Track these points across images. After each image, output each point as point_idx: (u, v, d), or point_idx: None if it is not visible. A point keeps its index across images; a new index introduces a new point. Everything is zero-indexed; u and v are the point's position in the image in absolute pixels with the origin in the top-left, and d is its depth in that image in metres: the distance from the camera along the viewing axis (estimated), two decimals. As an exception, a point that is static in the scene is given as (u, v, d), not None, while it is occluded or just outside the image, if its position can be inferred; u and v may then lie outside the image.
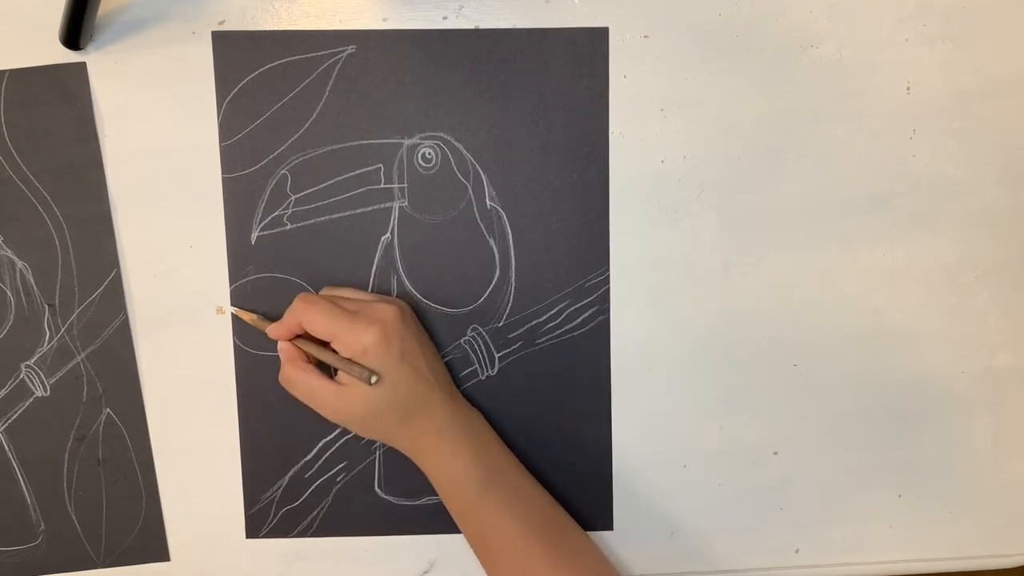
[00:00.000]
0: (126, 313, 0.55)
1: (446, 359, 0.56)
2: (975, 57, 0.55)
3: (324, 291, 0.54)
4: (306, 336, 0.51)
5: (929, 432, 0.58)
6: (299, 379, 0.50)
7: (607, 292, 0.56)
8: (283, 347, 0.51)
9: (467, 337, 0.56)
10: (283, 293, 0.55)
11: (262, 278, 0.55)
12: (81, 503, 0.56)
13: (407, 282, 0.55)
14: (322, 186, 0.54)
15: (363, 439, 0.56)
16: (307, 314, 0.49)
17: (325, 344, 0.50)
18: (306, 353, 0.51)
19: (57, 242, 0.54)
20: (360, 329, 0.48)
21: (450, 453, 0.50)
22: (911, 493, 0.58)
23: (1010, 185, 0.56)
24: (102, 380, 0.55)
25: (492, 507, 0.50)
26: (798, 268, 0.56)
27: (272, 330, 0.52)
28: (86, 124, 0.54)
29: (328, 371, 0.51)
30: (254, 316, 0.54)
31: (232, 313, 0.54)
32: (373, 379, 0.48)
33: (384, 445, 0.56)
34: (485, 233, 0.55)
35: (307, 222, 0.55)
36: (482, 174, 0.55)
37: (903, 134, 0.55)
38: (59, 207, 0.54)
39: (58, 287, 0.54)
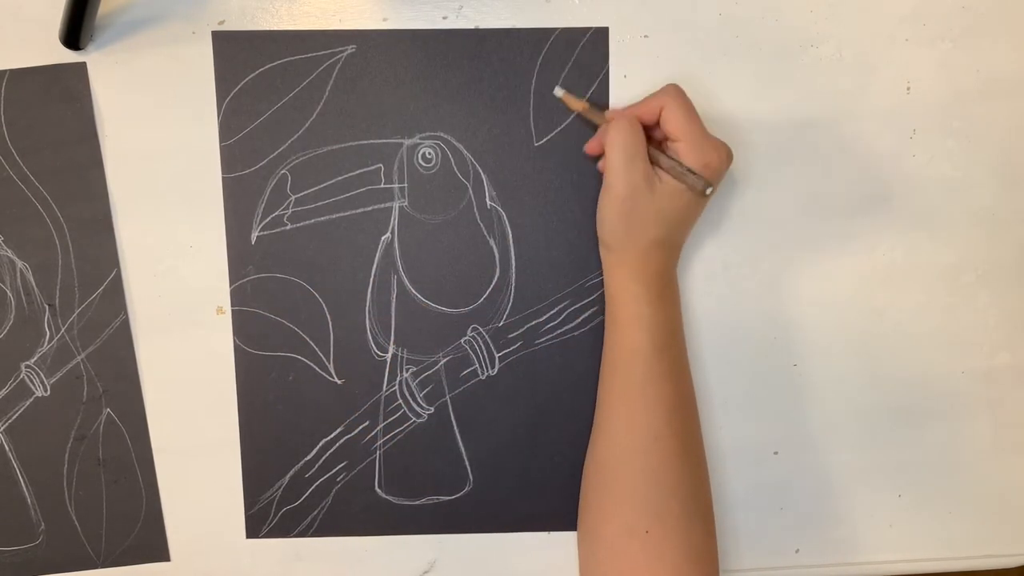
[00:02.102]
0: (126, 313, 0.55)
1: (446, 359, 0.56)
2: (975, 57, 0.55)
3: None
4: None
5: (929, 432, 0.58)
6: (636, 137, 0.48)
7: (607, 292, 0.56)
8: (629, 117, 0.49)
9: (467, 337, 0.56)
10: (283, 293, 0.55)
11: (262, 278, 0.55)
12: (81, 503, 0.56)
13: (407, 282, 0.55)
14: (322, 186, 0.54)
15: (363, 439, 0.56)
16: (676, 103, 0.48)
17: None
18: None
19: (57, 242, 0.54)
20: (714, 143, 0.48)
21: (660, 297, 0.50)
22: (911, 493, 0.58)
23: (1010, 185, 0.56)
24: (102, 380, 0.55)
25: (666, 365, 0.50)
26: (798, 268, 0.56)
27: (630, 108, 0.50)
28: (86, 124, 0.54)
29: None
30: (584, 104, 0.51)
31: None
32: (709, 190, 0.47)
33: (384, 444, 0.56)
34: (485, 233, 0.55)
35: (307, 222, 0.55)
36: (482, 174, 0.55)
37: (903, 134, 0.55)
38: (59, 207, 0.54)
39: (58, 287, 0.54)
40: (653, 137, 0.51)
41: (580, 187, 0.55)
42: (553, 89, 0.52)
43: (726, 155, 0.49)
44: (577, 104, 0.52)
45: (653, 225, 0.49)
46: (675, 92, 0.49)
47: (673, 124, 0.49)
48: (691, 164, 0.48)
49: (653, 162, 0.49)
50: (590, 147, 0.53)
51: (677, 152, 0.49)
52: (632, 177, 0.48)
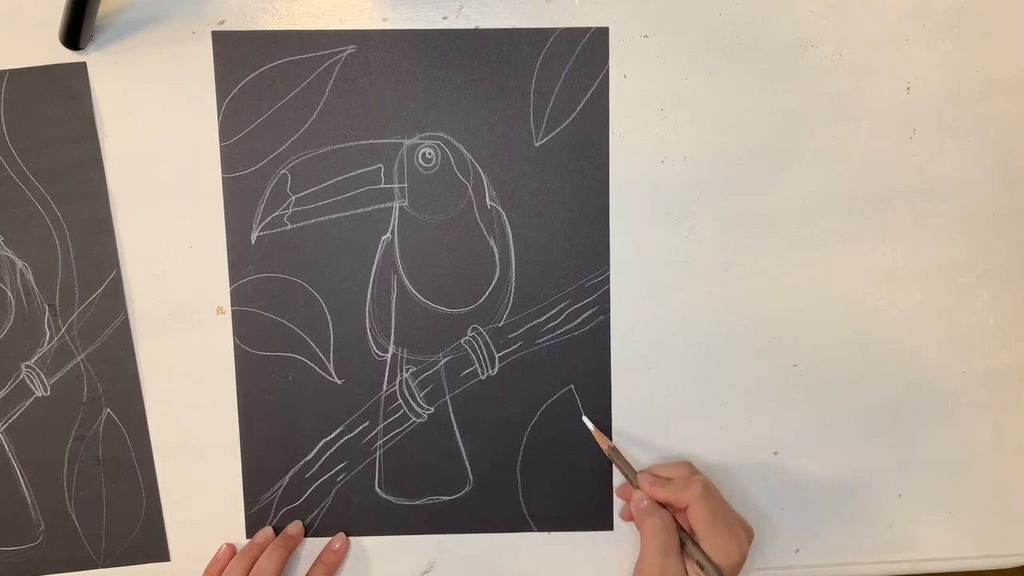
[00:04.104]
0: (126, 313, 0.55)
1: (446, 359, 0.56)
2: (975, 57, 0.55)
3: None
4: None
5: (929, 432, 0.58)
6: (670, 534, 0.51)
7: (607, 292, 0.56)
8: (662, 510, 0.52)
9: (467, 337, 0.56)
10: (283, 293, 0.55)
11: (262, 278, 0.55)
12: (81, 503, 0.56)
13: (407, 282, 0.55)
14: (322, 186, 0.54)
15: (363, 439, 0.56)
16: (704, 505, 0.51)
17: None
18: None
19: (57, 242, 0.54)
20: (737, 540, 0.51)
21: None
22: (911, 493, 0.58)
23: (1010, 185, 0.56)
24: (102, 380, 0.55)
25: None
26: (798, 268, 0.56)
27: (652, 488, 0.53)
28: (86, 124, 0.54)
29: None
30: (608, 441, 0.55)
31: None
32: None
33: (384, 444, 0.56)
34: (485, 233, 0.55)
35: (307, 222, 0.55)
36: (482, 174, 0.55)
37: (903, 134, 0.55)
38: (59, 207, 0.54)
39: (58, 287, 0.54)
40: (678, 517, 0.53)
41: (580, 187, 0.55)
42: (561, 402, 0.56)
43: (747, 546, 0.51)
44: (605, 442, 0.55)
45: None
46: (703, 493, 0.51)
47: (699, 523, 0.51)
48: (712, 556, 0.50)
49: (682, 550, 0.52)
50: (624, 515, 0.57)
51: (701, 542, 0.51)
52: (668, 571, 0.50)
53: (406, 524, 0.57)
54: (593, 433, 0.56)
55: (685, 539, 0.51)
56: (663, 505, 0.52)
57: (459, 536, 0.57)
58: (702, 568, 0.50)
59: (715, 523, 0.51)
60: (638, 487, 0.54)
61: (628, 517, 0.56)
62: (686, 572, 0.50)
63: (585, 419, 0.56)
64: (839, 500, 0.58)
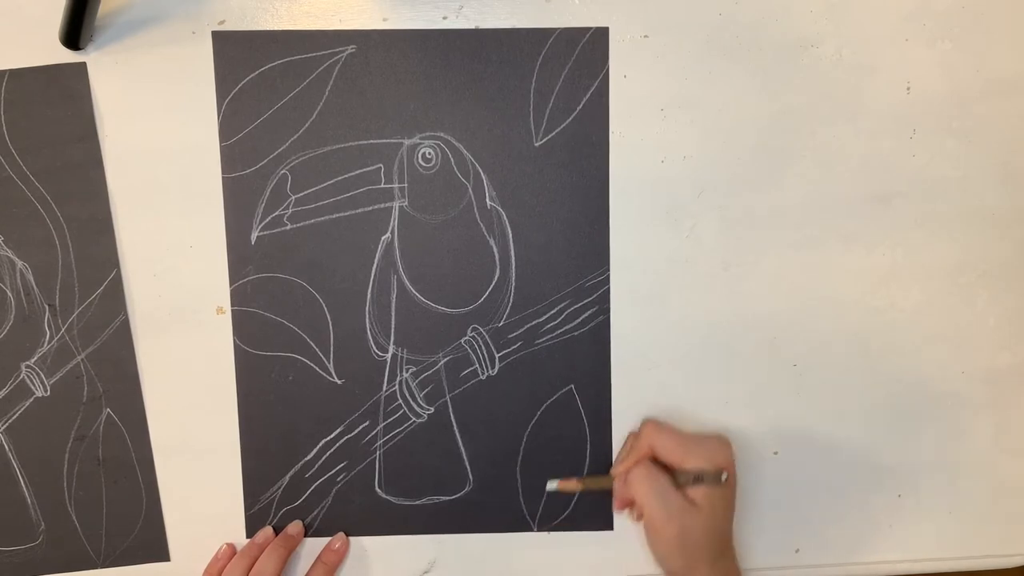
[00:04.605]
0: (126, 313, 0.55)
1: (446, 359, 0.56)
2: (975, 57, 0.55)
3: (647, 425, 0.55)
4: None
5: (929, 432, 0.58)
6: (656, 478, 0.51)
7: (607, 292, 0.56)
8: (638, 464, 0.52)
9: (467, 337, 0.56)
10: (283, 293, 0.55)
11: (262, 278, 0.55)
12: (81, 503, 0.56)
13: (407, 282, 0.55)
14: (322, 186, 0.54)
15: (363, 439, 0.56)
16: (660, 435, 0.52)
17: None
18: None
19: (57, 242, 0.54)
20: (714, 444, 0.52)
21: None
22: (911, 493, 0.58)
23: (1010, 185, 0.56)
24: (102, 380, 0.55)
25: None
26: (798, 268, 0.56)
27: (619, 467, 0.54)
28: (86, 124, 0.54)
29: None
30: (579, 482, 0.55)
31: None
32: (724, 476, 0.50)
33: (384, 444, 0.56)
34: (485, 233, 0.55)
35: (307, 222, 0.55)
36: (482, 174, 0.55)
37: (903, 134, 0.55)
38: (59, 207, 0.54)
39: (58, 287, 0.54)
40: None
41: (580, 187, 0.55)
42: (546, 484, 0.56)
43: (724, 443, 0.52)
44: (574, 485, 0.55)
45: (706, 540, 0.51)
46: (653, 427, 0.53)
47: (668, 452, 0.52)
48: (701, 468, 0.51)
49: (681, 486, 0.51)
50: (617, 504, 0.55)
51: (685, 469, 0.51)
52: (672, 512, 0.50)
53: (406, 524, 0.57)
54: (561, 488, 0.55)
55: (673, 476, 0.51)
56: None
57: (459, 536, 0.57)
58: (702, 479, 0.50)
59: (682, 440, 0.52)
60: (612, 477, 0.54)
61: (622, 503, 0.55)
62: (690, 502, 0.50)
63: (549, 484, 0.55)
64: (839, 500, 0.58)
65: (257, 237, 0.55)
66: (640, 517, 0.54)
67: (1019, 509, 0.59)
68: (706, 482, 0.50)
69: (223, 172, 0.54)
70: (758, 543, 0.58)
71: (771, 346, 0.57)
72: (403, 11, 0.54)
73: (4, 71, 0.53)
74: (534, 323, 0.56)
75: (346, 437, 0.56)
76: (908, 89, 0.55)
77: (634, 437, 0.55)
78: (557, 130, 0.54)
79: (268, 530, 0.56)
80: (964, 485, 0.58)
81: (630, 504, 0.55)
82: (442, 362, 0.56)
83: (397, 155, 0.54)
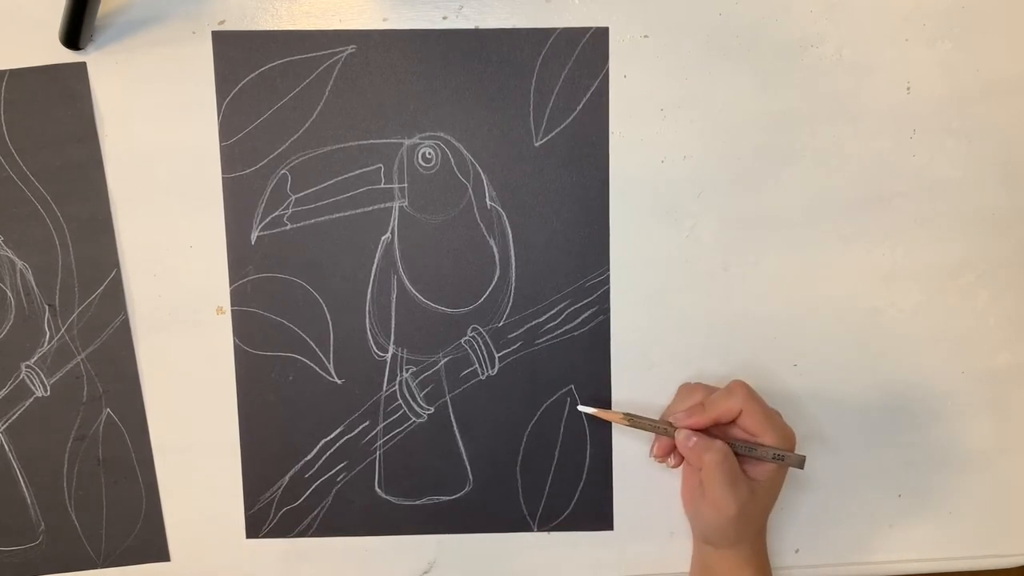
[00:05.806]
0: (126, 313, 0.55)
1: (446, 359, 0.56)
2: (975, 57, 0.55)
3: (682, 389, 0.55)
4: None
5: (929, 432, 0.58)
6: (732, 465, 0.50)
7: (607, 292, 0.56)
8: (714, 446, 0.51)
9: (467, 337, 0.56)
10: (283, 293, 0.55)
11: (262, 278, 0.55)
12: (81, 503, 0.56)
13: (407, 282, 0.55)
14: (322, 186, 0.54)
15: (363, 439, 0.56)
16: (753, 406, 0.50)
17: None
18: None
19: (57, 242, 0.54)
20: (789, 429, 0.51)
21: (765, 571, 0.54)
22: (911, 493, 0.58)
23: (1010, 185, 0.56)
24: (102, 380, 0.55)
25: None
26: (798, 268, 0.56)
27: (693, 419, 0.52)
28: (86, 124, 0.54)
29: None
30: (620, 415, 0.54)
31: None
32: (804, 461, 0.50)
33: (384, 444, 0.56)
34: (485, 233, 0.55)
35: (307, 222, 0.55)
36: (482, 174, 0.55)
37: (903, 134, 0.55)
38: (59, 207, 0.54)
39: (58, 287, 0.54)
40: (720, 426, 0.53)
41: (580, 187, 0.55)
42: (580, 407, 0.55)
43: (791, 431, 0.52)
44: (617, 417, 0.54)
45: (759, 519, 0.53)
46: (747, 392, 0.51)
47: (753, 422, 0.51)
48: (784, 449, 0.51)
49: (748, 457, 0.51)
50: (658, 451, 0.54)
51: (765, 444, 0.51)
52: (739, 497, 0.50)
53: (406, 524, 0.57)
54: (597, 415, 0.55)
55: (750, 448, 0.51)
56: (706, 432, 0.52)
57: (459, 536, 0.57)
58: (782, 459, 0.50)
59: (769, 414, 0.51)
60: (676, 428, 0.52)
61: (663, 457, 0.54)
62: (753, 485, 0.50)
63: (581, 408, 0.55)
64: (839, 500, 0.58)
65: (257, 237, 0.55)
66: (677, 466, 0.54)
67: (1019, 509, 0.59)
68: (787, 462, 0.50)
69: (223, 172, 0.54)
70: (758, 543, 0.58)
71: (771, 346, 0.57)
72: (403, 11, 0.54)
73: (4, 71, 0.53)
74: (534, 323, 0.56)
75: (346, 437, 0.56)
76: (908, 89, 0.55)
77: (694, 389, 0.53)
78: (557, 130, 0.54)
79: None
80: (964, 485, 0.58)
81: (670, 453, 0.54)
82: (442, 362, 0.56)
83: (397, 155, 0.54)
